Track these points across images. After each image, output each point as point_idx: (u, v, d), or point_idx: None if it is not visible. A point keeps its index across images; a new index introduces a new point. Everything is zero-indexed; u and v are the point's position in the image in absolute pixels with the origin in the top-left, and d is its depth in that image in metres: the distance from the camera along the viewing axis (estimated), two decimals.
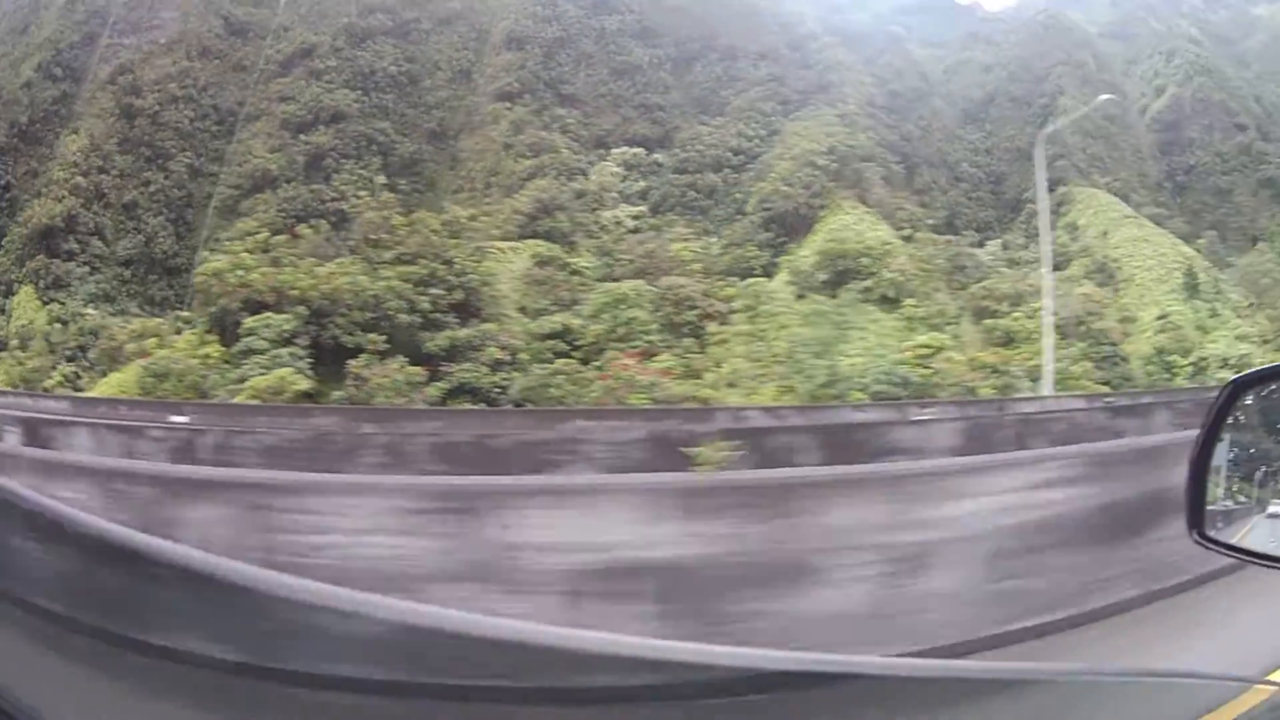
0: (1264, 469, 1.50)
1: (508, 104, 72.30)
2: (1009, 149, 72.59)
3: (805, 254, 57.27)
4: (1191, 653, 5.61)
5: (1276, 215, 75.24)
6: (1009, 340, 55.22)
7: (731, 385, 49.72)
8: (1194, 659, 5.37)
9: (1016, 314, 56.28)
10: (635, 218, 66.46)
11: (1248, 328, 64.10)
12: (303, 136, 78.80)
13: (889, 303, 56.89)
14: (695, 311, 56.62)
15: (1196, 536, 1.45)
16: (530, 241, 65.19)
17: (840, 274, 55.88)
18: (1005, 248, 68.42)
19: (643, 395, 46.86)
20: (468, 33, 78.08)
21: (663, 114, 70.37)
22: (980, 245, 69.11)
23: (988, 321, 55.05)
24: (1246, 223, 75.35)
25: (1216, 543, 1.43)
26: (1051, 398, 28.64)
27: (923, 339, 48.90)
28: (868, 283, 56.01)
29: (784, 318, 49.25)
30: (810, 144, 62.87)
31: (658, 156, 68.71)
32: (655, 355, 49.83)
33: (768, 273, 60.81)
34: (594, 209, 67.51)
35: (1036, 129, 74.40)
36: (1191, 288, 66.44)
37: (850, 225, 59.27)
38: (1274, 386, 1.53)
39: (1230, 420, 1.43)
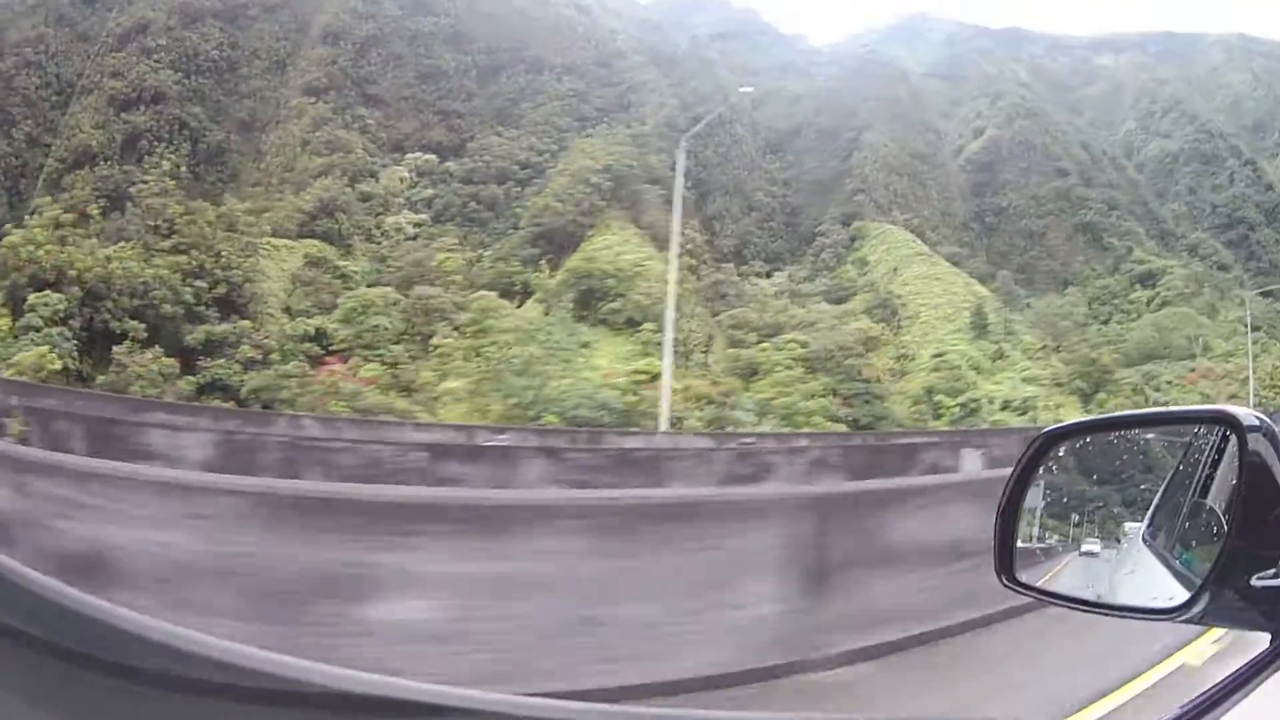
0: (1078, 513, 1.70)
1: (313, 99, 75.94)
2: (810, 181, 77.05)
3: (559, 273, 61.21)
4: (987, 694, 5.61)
5: (1091, 260, 79.73)
6: (753, 371, 58.67)
7: (434, 399, 53.75)
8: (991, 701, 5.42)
9: (765, 345, 59.86)
10: (416, 225, 70.43)
11: (1038, 370, 66.85)
12: (124, 115, 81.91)
13: (634, 326, 60.43)
14: (444, 324, 60.56)
15: (1005, 580, 1.57)
16: (307, 241, 68.80)
17: (585, 294, 59.66)
18: (791, 279, 72.67)
19: (343, 403, 50.98)
20: (290, 22, 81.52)
21: (461, 122, 74.38)
22: (768, 275, 73.19)
23: (730, 351, 58.72)
24: (1059, 266, 79.86)
25: (1022, 585, 1.56)
26: (664, 434, 27.85)
27: (640, 365, 52.15)
28: (615, 304, 59.57)
29: (510, 335, 52.79)
30: (588, 161, 66.89)
31: (450, 165, 72.55)
32: (366, 363, 53.72)
33: (528, 288, 64.74)
34: (378, 214, 71.27)
35: (840, 162, 79.67)
36: (980, 327, 69.86)
37: (613, 246, 63.27)
38: (1088, 439, 1.74)
39: (1043, 469, 1.61)
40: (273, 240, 68.74)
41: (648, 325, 57.81)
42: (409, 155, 73.79)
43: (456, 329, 56.60)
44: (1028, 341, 69.64)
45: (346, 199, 70.04)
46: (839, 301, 71.42)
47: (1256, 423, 1.27)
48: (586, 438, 22.20)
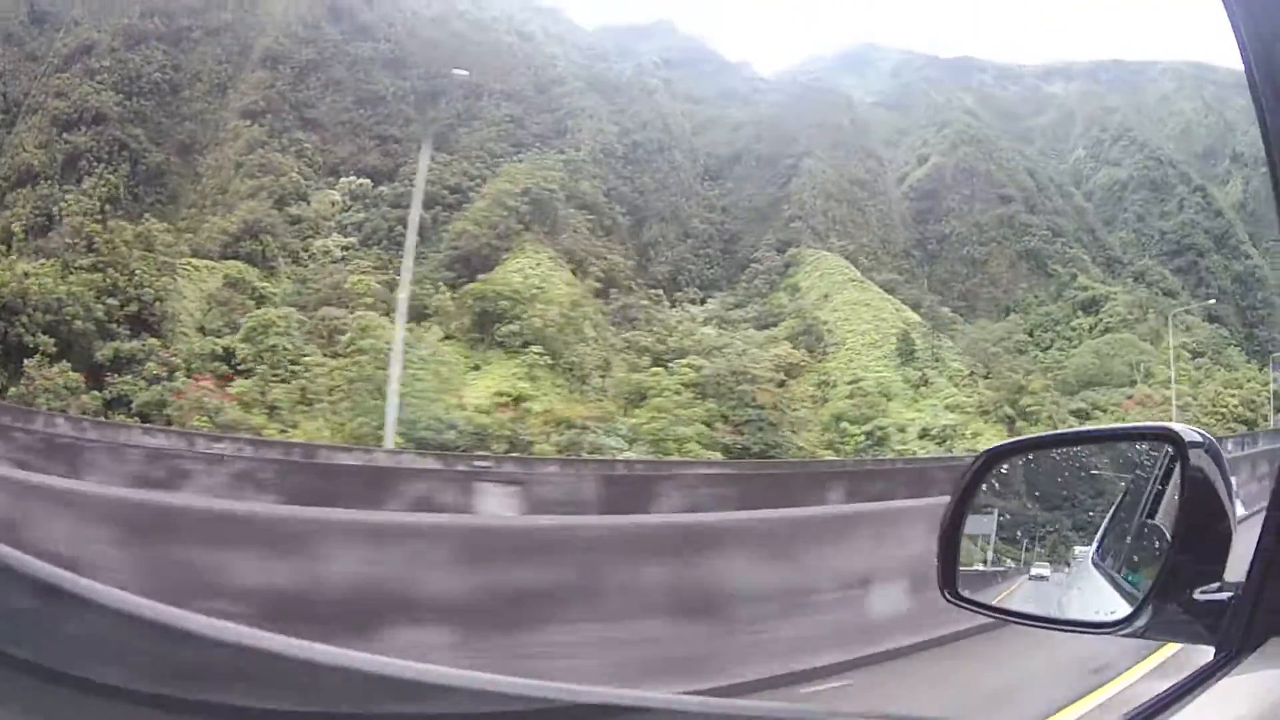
0: (1029, 537, 1.75)
1: (249, 122, 76.66)
2: (748, 208, 77.10)
3: (455, 295, 61.28)
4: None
5: (1034, 286, 79.39)
6: (642, 396, 58.16)
7: (293, 414, 53.80)
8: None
9: (657, 370, 59.49)
10: (344, 249, 70.62)
11: (963, 397, 66.36)
12: (66, 135, 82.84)
13: (529, 348, 60.33)
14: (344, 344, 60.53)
15: (948, 596, 1.62)
16: (229, 262, 69.11)
17: (482, 316, 59.64)
18: (722, 305, 72.42)
19: (204, 419, 51.27)
20: (232, 45, 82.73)
21: (398, 147, 74.97)
22: (701, 302, 72.93)
23: (619, 375, 58.42)
24: (1001, 293, 79.50)
25: (966, 600, 1.61)
26: (386, 452, 28.29)
27: (504, 387, 52.25)
28: (513, 326, 59.53)
29: (368, 355, 52.78)
30: (506, 184, 67.20)
31: (383, 189, 72.90)
32: (233, 379, 54.02)
33: (440, 311, 64.75)
34: (308, 236, 71.51)
35: (779, 189, 79.78)
36: (906, 354, 69.43)
37: (525, 268, 63.33)
38: (1030, 458, 1.78)
39: (985, 488, 1.64)
40: (193, 261, 69.09)
41: (534, 348, 57.77)
42: (343, 179, 74.25)
43: (326, 350, 56.82)
44: (955, 368, 69.18)
45: (272, 221, 70.35)
46: (766, 327, 70.98)
47: (1198, 439, 1.29)
48: (301, 452, 22.53)
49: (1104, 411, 64.55)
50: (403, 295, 27.57)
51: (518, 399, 51.99)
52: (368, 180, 73.99)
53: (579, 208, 70.45)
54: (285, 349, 59.95)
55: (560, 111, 77.56)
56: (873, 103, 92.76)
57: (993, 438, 58.24)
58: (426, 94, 78.50)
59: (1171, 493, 1.39)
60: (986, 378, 69.48)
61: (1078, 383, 70.10)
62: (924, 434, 62.14)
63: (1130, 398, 66.56)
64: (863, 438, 60.17)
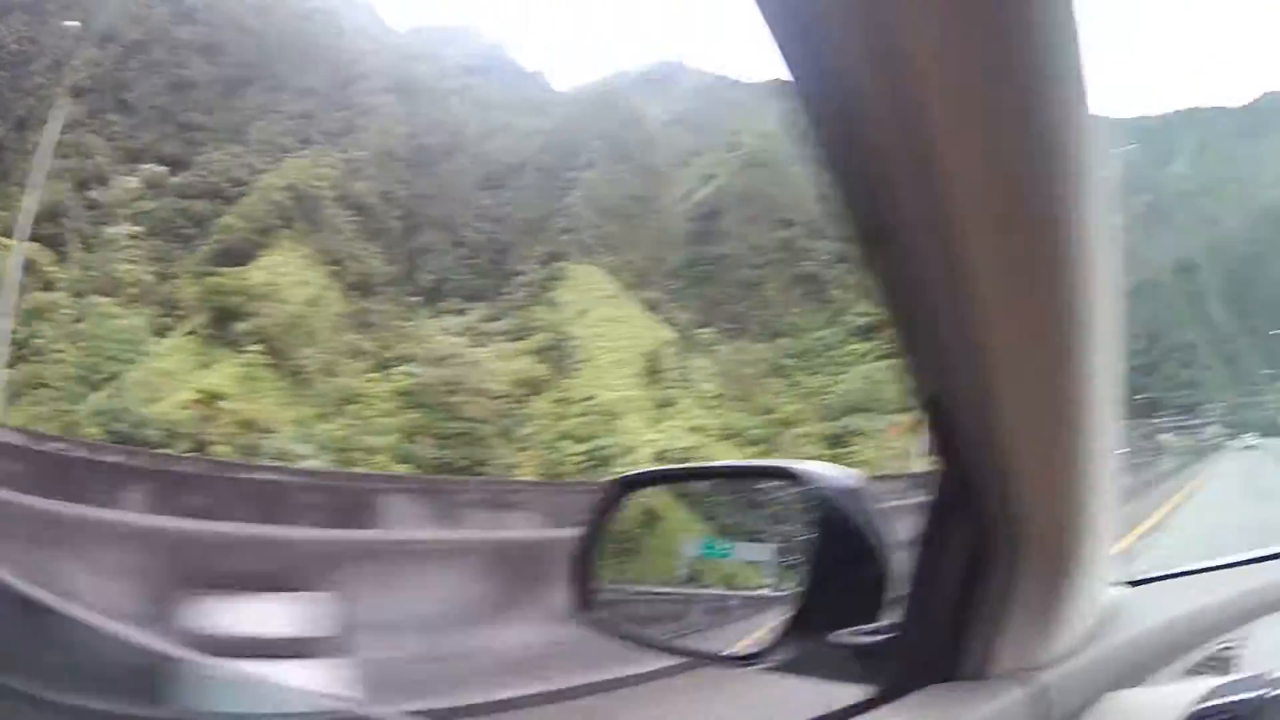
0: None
1: (74, 100, 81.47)
2: (523, 219, 79.29)
3: (189, 288, 66.08)
4: None
5: (808, 311, 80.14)
6: (349, 402, 62.06)
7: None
8: None
9: (374, 376, 63.12)
10: (131, 237, 75.86)
11: (709, 419, 68.55)
12: None
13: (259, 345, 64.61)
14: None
15: (580, 619, 1.54)
16: (28, 244, 75.19)
17: (218, 311, 64.03)
18: (481, 318, 75.31)
19: None
20: (80, 19, 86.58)
21: (199, 135, 78.99)
22: (461, 313, 75.62)
23: (337, 381, 61.97)
24: (773, 316, 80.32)
25: (599, 623, 1.53)
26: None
27: (204, 385, 55.96)
28: (246, 324, 63.54)
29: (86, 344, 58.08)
30: (274, 179, 70.91)
31: (175, 179, 77.49)
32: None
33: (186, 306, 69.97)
34: (102, 223, 76.92)
35: (556, 201, 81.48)
36: (654, 373, 71.47)
37: (275, 266, 67.71)
38: (663, 489, 1.69)
39: (611, 517, 1.56)
40: (4, 240, 75.18)
41: (255, 348, 60.98)
42: (143, 166, 78.74)
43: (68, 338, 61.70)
44: (704, 389, 70.61)
45: (71, 204, 75.66)
46: (518, 339, 72.53)
47: (815, 476, 1.26)
48: None
49: (865, 436, 65.10)
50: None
51: (212, 397, 54.12)
52: (167, 169, 78.34)
53: (349, 208, 73.96)
54: (46, 335, 65.70)
55: (354, 110, 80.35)
56: (668, 121, 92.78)
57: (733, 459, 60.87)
58: (236, 83, 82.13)
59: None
60: (740, 400, 70.87)
61: (842, 408, 70.69)
62: (660, 456, 62.51)
63: (895, 424, 66.81)
64: (582, 457, 61.05)
